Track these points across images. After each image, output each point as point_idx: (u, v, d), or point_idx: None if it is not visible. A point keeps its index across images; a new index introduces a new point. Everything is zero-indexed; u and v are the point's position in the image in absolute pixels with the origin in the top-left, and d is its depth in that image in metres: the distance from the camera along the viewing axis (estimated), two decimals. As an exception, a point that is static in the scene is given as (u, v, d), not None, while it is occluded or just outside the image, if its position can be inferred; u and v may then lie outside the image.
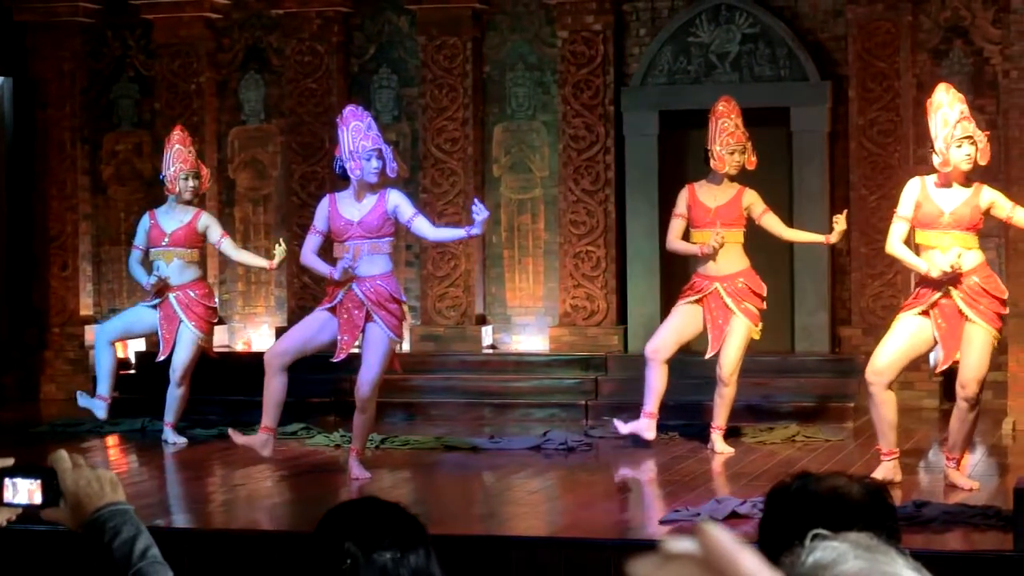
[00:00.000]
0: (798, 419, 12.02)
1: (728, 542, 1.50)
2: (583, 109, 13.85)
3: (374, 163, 9.72)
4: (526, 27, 14.30)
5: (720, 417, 10.80)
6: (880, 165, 13.15)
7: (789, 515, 2.91)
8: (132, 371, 13.85)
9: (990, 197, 9.19)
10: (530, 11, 14.27)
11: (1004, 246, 12.81)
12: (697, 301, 10.79)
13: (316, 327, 9.95)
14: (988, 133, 9.35)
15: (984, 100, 13.25)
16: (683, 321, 10.84)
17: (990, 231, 13.24)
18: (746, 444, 11.15)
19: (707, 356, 10.86)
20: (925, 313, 9.10)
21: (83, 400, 11.92)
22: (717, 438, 10.80)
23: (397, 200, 9.85)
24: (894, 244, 9.30)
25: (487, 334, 14.21)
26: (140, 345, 13.91)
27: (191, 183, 11.74)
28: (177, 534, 7.84)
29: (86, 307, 14.98)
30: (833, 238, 10.60)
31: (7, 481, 2.90)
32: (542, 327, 14.18)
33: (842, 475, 3.10)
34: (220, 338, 14.59)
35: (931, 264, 9.04)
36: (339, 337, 9.83)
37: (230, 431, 10.35)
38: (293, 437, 11.72)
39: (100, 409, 11.83)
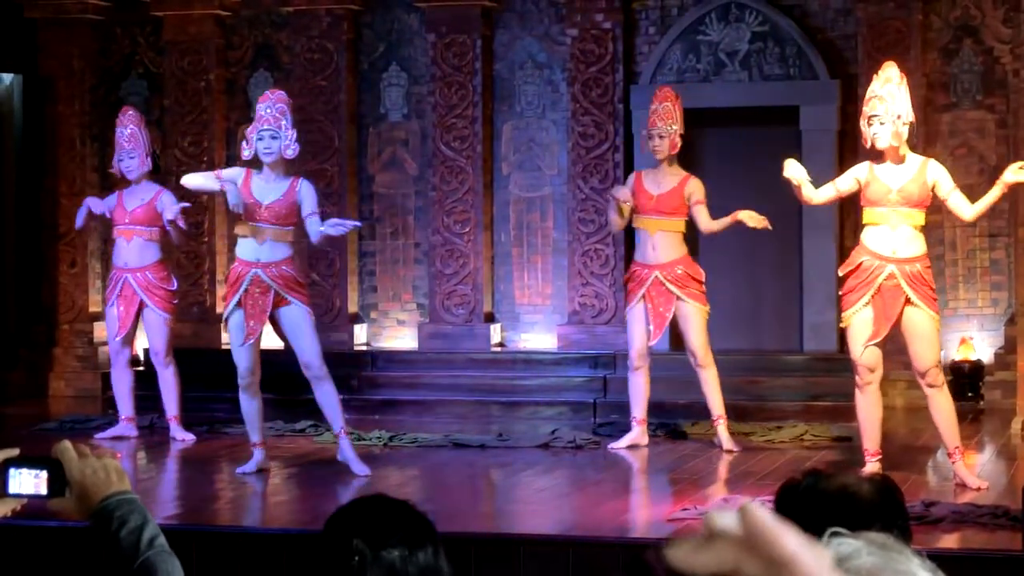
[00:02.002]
0: (806, 418, 12.00)
1: (770, 520, 1.49)
2: (592, 107, 13.84)
3: (265, 143, 9.80)
4: (535, 25, 14.30)
5: (717, 406, 10.82)
6: (889, 164, 13.13)
7: (799, 514, 2.90)
8: (140, 367, 13.84)
9: (935, 175, 9.24)
10: (539, 9, 14.26)
11: (1013, 245, 12.79)
12: (641, 298, 10.88)
13: (244, 330, 9.92)
14: (900, 116, 9.21)
15: (994, 99, 13.24)
16: (643, 324, 10.94)
17: (999, 230, 13.24)
18: (754, 443, 11.14)
19: (652, 343, 10.93)
20: (867, 303, 9.14)
21: (108, 432, 11.80)
22: (723, 431, 10.79)
23: (305, 193, 9.92)
24: (810, 192, 9.47)
25: (495, 332, 14.21)
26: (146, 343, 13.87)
27: (126, 163, 11.79)
28: (185, 531, 7.83)
29: (95, 304, 14.98)
30: (744, 217, 10.57)
31: (12, 471, 2.88)
32: (550, 325, 14.17)
33: (852, 474, 3.09)
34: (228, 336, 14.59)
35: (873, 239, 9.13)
36: (246, 323, 9.85)
37: (239, 471, 10.12)
38: (301, 434, 11.72)
39: (130, 430, 11.82)
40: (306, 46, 14.48)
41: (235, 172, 10.09)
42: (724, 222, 10.85)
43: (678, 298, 10.80)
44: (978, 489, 8.87)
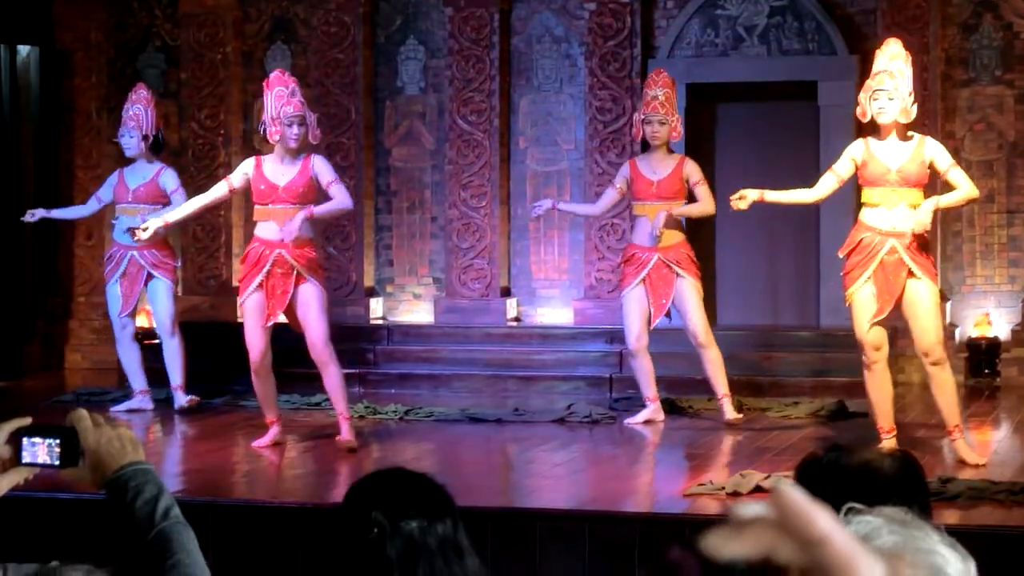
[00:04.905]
0: (823, 393, 11.98)
1: (802, 501, 1.47)
2: (610, 81, 13.81)
3: (295, 129, 9.91)
4: (553, -1, 14.26)
5: (721, 384, 10.82)
6: (908, 139, 13.09)
7: (820, 488, 2.89)
8: (156, 340, 13.84)
9: (932, 152, 9.14)
10: (557, -17, 14.22)
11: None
12: (640, 281, 10.91)
13: (263, 312, 9.94)
14: (912, 92, 9.18)
15: (1013, 74, 13.20)
16: (641, 306, 10.95)
17: (1017, 207, 13.21)
18: (771, 418, 11.13)
19: (653, 325, 10.97)
20: (868, 278, 9.09)
21: (123, 405, 11.84)
22: (727, 406, 10.79)
23: (320, 167, 10.03)
24: (801, 191, 9.57)
25: (512, 306, 14.20)
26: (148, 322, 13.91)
27: (125, 140, 11.94)
28: (200, 504, 7.84)
29: (111, 277, 14.98)
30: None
31: (25, 441, 2.85)
32: (567, 300, 14.16)
33: (874, 449, 3.09)
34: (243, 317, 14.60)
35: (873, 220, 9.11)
36: (267, 303, 9.90)
37: (255, 444, 10.17)
38: (317, 408, 11.72)
39: (146, 403, 11.84)
40: (323, 19, 14.45)
41: (245, 166, 10.23)
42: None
43: (677, 275, 10.83)
44: (976, 466, 8.79)
